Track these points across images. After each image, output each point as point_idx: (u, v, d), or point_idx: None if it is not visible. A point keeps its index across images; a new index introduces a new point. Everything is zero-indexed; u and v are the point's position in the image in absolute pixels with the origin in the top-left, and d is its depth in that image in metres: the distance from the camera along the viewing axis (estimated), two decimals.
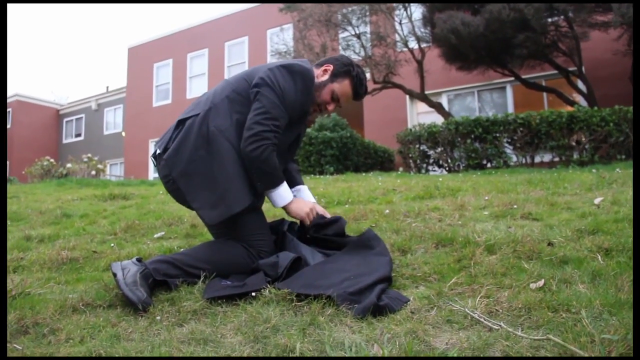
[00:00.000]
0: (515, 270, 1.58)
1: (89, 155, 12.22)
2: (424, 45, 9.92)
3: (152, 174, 16.02)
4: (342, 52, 9.96)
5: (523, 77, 9.67)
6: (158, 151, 1.82)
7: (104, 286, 1.63)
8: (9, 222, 3.20)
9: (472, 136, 7.38)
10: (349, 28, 9.90)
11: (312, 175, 7.15)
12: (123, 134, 18.87)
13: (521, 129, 7.07)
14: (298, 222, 1.94)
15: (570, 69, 9.21)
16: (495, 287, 1.44)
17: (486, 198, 3.12)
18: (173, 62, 17.09)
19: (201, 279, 1.61)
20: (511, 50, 8.26)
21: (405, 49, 9.97)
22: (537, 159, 7.30)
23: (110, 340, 1.20)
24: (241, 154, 1.70)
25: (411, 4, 9.82)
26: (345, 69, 1.91)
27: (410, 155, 8.11)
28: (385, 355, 1.02)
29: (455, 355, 1.03)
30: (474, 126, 7.30)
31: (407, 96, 11.47)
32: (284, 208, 1.85)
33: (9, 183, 8.60)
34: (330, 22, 9.76)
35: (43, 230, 2.83)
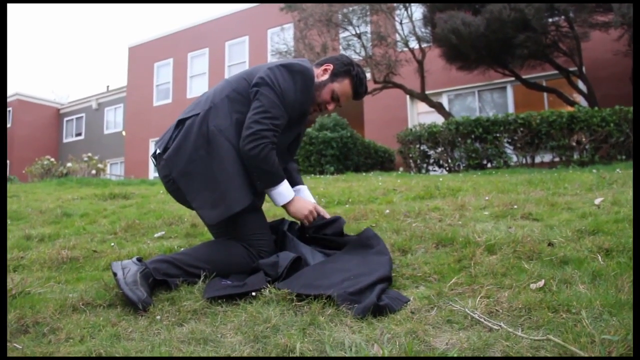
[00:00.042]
0: (516, 270, 1.58)
1: (90, 154, 12.22)
2: (424, 45, 9.91)
3: (153, 173, 16.01)
4: (342, 52, 9.96)
5: (523, 77, 9.67)
6: (158, 151, 1.82)
7: (104, 285, 1.63)
8: (9, 221, 3.21)
9: (473, 136, 7.38)
10: (350, 28, 9.90)
11: (313, 175, 7.15)
12: (123, 133, 18.87)
13: (521, 129, 7.07)
14: (299, 222, 1.94)
15: (571, 69, 9.20)
16: (495, 288, 1.44)
17: (486, 198, 3.11)
18: (173, 62, 17.10)
19: (201, 279, 1.61)
20: (512, 50, 8.25)
21: (405, 49, 9.97)
22: (538, 159, 7.30)
23: (110, 340, 1.20)
24: (240, 153, 1.70)
25: (412, 4, 9.81)
26: (345, 68, 1.91)
27: (410, 155, 8.11)
28: (385, 355, 1.02)
29: (455, 355, 1.03)
30: (474, 126, 7.30)
31: (408, 96, 11.47)
32: (285, 207, 1.84)
33: (9, 182, 8.60)
34: (330, 21, 9.76)
35: (43, 230, 2.83)
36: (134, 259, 1.58)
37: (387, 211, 2.82)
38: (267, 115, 1.69)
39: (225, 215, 1.66)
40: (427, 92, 10.26)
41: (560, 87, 9.79)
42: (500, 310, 1.26)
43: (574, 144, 6.98)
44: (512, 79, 10.09)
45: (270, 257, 1.70)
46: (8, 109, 21.43)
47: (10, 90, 22.56)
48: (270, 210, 2.76)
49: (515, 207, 2.68)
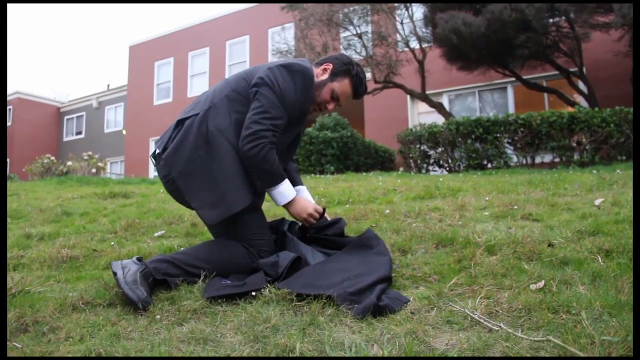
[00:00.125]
0: (516, 271, 1.58)
1: (90, 153, 12.21)
2: (425, 45, 9.91)
3: (153, 172, 16.00)
4: (343, 52, 9.96)
5: (524, 77, 9.66)
6: (157, 151, 1.81)
7: (104, 285, 1.63)
8: (9, 220, 3.21)
9: (473, 136, 7.38)
10: (351, 27, 9.90)
11: (313, 175, 7.14)
12: (124, 132, 18.87)
13: (522, 129, 7.07)
14: (299, 222, 1.94)
15: (571, 69, 9.20)
16: (495, 288, 1.44)
17: (486, 198, 3.11)
18: (174, 61, 17.09)
19: (201, 278, 1.61)
20: (512, 50, 8.25)
21: (406, 49, 9.96)
22: (538, 160, 7.30)
23: (110, 339, 1.20)
24: (240, 153, 1.70)
25: (412, 4, 9.81)
26: (344, 67, 1.91)
27: (410, 155, 8.11)
28: (385, 356, 1.02)
29: (455, 355, 1.03)
30: (474, 126, 7.30)
31: (408, 96, 11.47)
32: (286, 207, 1.84)
33: (9, 180, 8.60)
34: (331, 21, 9.76)
35: (43, 228, 2.83)
36: (134, 258, 1.58)
37: (387, 211, 2.82)
38: (266, 116, 1.69)
39: (225, 216, 1.66)
40: (427, 92, 10.25)
41: (560, 87, 9.79)
42: (500, 311, 1.26)
43: (574, 144, 6.98)
44: (513, 79, 10.09)
45: (270, 257, 1.70)
46: (8, 107, 21.44)
47: (11, 88, 22.56)
48: (270, 210, 2.76)
49: (516, 207, 2.68)
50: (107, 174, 13.52)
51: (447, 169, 7.73)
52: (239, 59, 15.64)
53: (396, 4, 9.87)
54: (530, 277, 1.49)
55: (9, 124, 21.22)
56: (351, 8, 9.82)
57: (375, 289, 1.41)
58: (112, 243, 2.39)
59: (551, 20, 8.59)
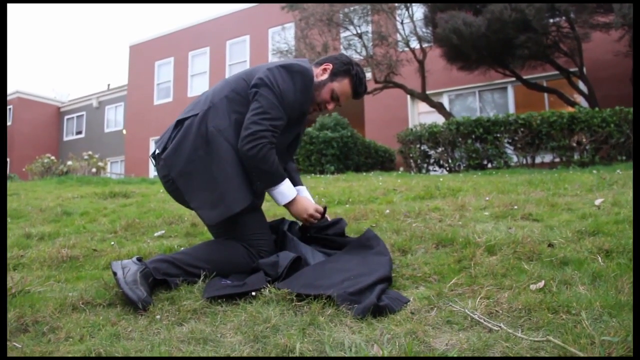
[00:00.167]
0: (516, 271, 1.58)
1: (90, 152, 12.21)
2: (425, 45, 9.91)
3: (153, 172, 15.98)
4: (343, 52, 9.95)
5: (524, 77, 9.66)
6: (157, 151, 1.81)
7: (104, 285, 1.63)
8: (9, 220, 3.21)
9: (473, 136, 7.38)
10: (351, 27, 9.90)
11: (313, 175, 7.14)
12: (124, 131, 18.87)
13: (522, 129, 7.07)
14: (300, 222, 1.94)
15: (572, 69, 9.20)
16: (495, 288, 1.44)
17: (487, 198, 3.11)
18: (174, 60, 17.09)
19: (201, 278, 1.61)
20: (512, 50, 8.25)
21: (406, 49, 9.96)
22: (538, 160, 7.30)
23: (110, 339, 1.20)
24: (239, 154, 1.70)
25: (413, 4, 9.81)
26: (344, 67, 1.91)
27: (411, 155, 8.11)
28: (385, 356, 1.02)
29: (455, 356, 1.03)
30: (474, 126, 7.30)
31: (408, 96, 11.46)
32: (287, 207, 1.84)
33: (9, 180, 8.60)
34: (332, 21, 9.76)
35: (43, 228, 2.83)
36: (134, 258, 1.58)
37: (387, 211, 2.82)
38: (265, 117, 1.69)
39: (225, 216, 1.66)
40: (427, 92, 10.25)
41: (560, 87, 9.79)
42: (500, 311, 1.26)
43: (574, 144, 6.98)
44: (513, 79, 10.09)
45: (270, 257, 1.70)
46: (8, 107, 21.44)
47: (11, 88, 22.57)
48: (270, 210, 2.76)
49: (516, 207, 2.68)
50: (107, 173, 13.52)
51: (447, 169, 7.73)
52: (239, 58, 15.64)
53: (396, 4, 9.87)
54: (530, 277, 1.49)
55: (9, 123, 21.22)
56: (351, 8, 9.82)
57: (375, 289, 1.41)
58: (112, 243, 2.39)
59: (551, 21, 8.59)
